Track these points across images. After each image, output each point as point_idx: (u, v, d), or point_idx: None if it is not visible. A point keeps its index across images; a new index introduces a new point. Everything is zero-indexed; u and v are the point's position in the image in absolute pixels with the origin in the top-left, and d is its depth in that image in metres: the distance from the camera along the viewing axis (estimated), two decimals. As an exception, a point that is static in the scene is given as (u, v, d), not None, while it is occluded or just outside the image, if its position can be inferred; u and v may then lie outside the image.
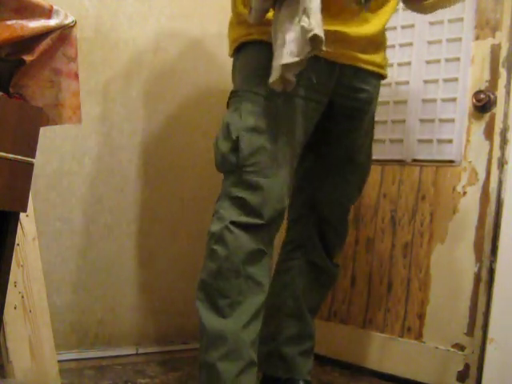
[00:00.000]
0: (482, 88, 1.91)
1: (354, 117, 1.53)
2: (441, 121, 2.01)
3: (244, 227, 1.34)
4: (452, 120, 1.98)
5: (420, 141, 2.06)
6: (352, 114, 1.52)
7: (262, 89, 1.37)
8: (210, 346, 1.33)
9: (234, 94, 1.45)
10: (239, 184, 1.36)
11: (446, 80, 2.01)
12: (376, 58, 1.51)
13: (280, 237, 1.58)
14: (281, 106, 1.37)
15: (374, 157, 1.71)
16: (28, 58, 1.14)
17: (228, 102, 1.47)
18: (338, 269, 1.67)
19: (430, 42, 2.06)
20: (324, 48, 1.17)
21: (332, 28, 1.33)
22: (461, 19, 1.99)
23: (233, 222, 1.34)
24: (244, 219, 1.34)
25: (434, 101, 2.03)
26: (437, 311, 1.94)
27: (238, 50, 1.48)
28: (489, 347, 1.60)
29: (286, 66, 1.21)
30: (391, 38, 1.93)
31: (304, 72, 1.29)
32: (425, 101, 2.06)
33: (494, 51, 1.90)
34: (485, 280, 1.83)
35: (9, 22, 1.10)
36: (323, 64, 1.39)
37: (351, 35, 1.41)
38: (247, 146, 1.35)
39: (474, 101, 1.92)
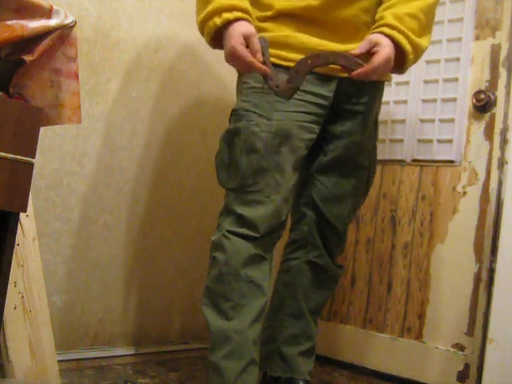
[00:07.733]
0: (482, 88, 1.91)
1: (355, 119, 1.53)
2: (441, 121, 2.01)
3: (240, 236, 1.39)
4: (452, 120, 1.98)
5: (420, 141, 2.05)
6: (353, 117, 1.53)
7: (260, 108, 1.39)
8: (215, 346, 1.38)
9: (234, 113, 1.47)
10: (239, 202, 1.40)
11: (446, 80, 2.01)
12: None
13: (284, 238, 1.58)
14: (280, 125, 1.39)
15: (374, 157, 1.71)
16: (28, 57, 1.14)
17: (229, 119, 1.48)
18: (341, 270, 1.66)
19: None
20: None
21: (331, 47, 1.39)
22: (461, 19, 1.99)
23: (229, 231, 1.39)
24: (240, 230, 1.39)
25: (433, 101, 2.03)
26: (437, 311, 1.94)
27: None
28: (489, 347, 1.60)
29: None
30: (391, 38, 1.93)
31: (302, 87, 1.32)
32: (425, 101, 2.06)
33: (494, 51, 1.90)
34: (485, 280, 1.83)
35: (9, 22, 1.10)
36: (321, 78, 1.41)
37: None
38: (246, 166, 1.39)
39: (474, 101, 1.92)
